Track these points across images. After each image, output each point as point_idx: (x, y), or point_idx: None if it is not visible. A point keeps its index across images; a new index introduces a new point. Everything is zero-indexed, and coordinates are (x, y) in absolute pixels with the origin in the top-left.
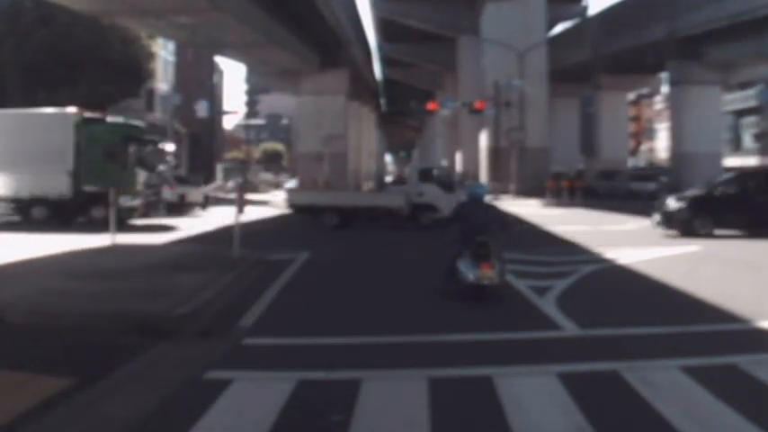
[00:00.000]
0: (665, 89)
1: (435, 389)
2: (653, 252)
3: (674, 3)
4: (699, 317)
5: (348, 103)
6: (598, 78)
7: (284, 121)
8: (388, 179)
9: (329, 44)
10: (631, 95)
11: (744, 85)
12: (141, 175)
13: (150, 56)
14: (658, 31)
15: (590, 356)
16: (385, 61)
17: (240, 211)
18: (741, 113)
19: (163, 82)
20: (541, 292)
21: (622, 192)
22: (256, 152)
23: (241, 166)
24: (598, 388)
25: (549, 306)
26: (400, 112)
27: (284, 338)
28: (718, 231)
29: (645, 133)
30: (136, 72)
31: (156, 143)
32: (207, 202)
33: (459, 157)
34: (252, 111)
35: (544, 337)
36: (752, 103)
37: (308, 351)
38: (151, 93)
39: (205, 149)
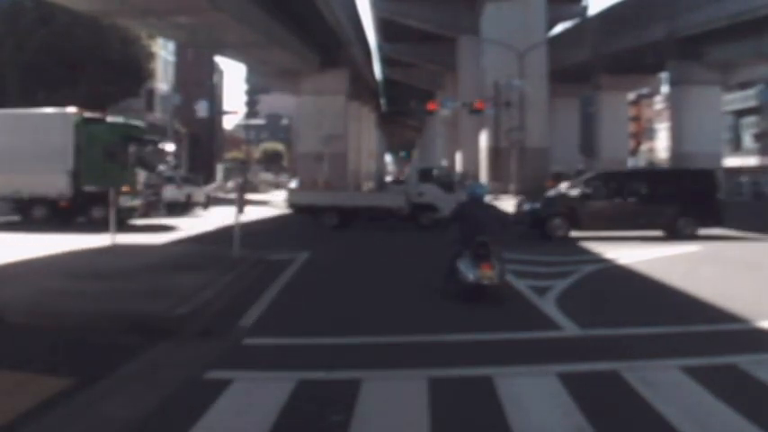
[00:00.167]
0: (665, 89)
1: (435, 389)
2: (653, 252)
3: (674, 3)
4: (699, 317)
5: (348, 103)
6: (598, 78)
7: (284, 121)
8: (388, 179)
9: (329, 44)
10: (631, 95)
11: (744, 85)
12: (141, 175)
13: (150, 56)
14: (658, 31)
15: (590, 356)
16: (385, 61)
17: (240, 211)
18: (741, 113)
19: (163, 82)
20: (541, 292)
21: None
22: (256, 152)
23: (241, 166)
24: (598, 388)
25: (549, 306)
26: (400, 112)
27: (284, 338)
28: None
29: (645, 133)
30: (136, 72)
31: (156, 143)
32: (209, 202)
33: (459, 157)
34: (252, 111)
35: (544, 337)
36: (752, 103)
37: (308, 351)
38: (151, 93)
39: (205, 149)
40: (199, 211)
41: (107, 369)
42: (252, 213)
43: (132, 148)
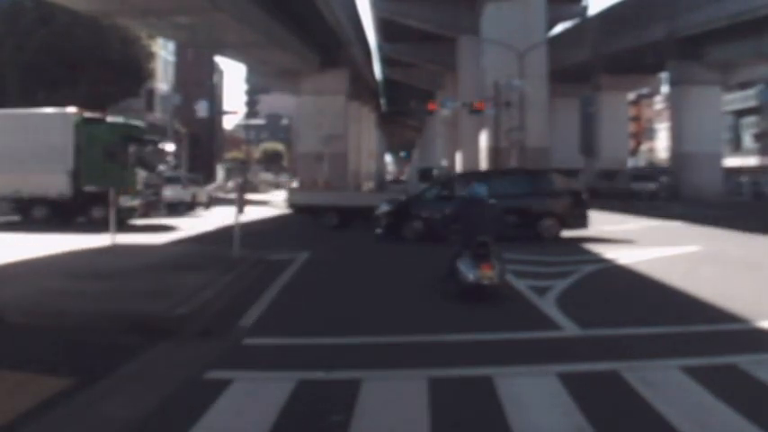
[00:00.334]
0: (665, 89)
1: (435, 389)
2: (653, 252)
3: (674, 3)
4: (699, 317)
5: (348, 103)
6: (598, 78)
7: (284, 121)
8: (388, 179)
9: (329, 44)
10: (631, 95)
11: (744, 85)
12: (141, 175)
13: (150, 56)
14: (658, 31)
15: (590, 356)
16: (385, 61)
17: (240, 211)
18: (741, 113)
19: (163, 82)
20: (541, 292)
21: (623, 192)
22: (256, 152)
23: (241, 166)
24: (598, 388)
25: (549, 306)
26: (400, 112)
27: (284, 338)
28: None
29: (645, 133)
30: (136, 72)
31: (156, 143)
32: (210, 202)
33: (459, 157)
34: (252, 111)
35: (544, 337)
36: (752, 103)
37: (308, 351)
38: (151, 93)
39: (205, 149)
40: (200, 211)
41: (107, 369)
42: (252, 213)
43: (132, 148)
